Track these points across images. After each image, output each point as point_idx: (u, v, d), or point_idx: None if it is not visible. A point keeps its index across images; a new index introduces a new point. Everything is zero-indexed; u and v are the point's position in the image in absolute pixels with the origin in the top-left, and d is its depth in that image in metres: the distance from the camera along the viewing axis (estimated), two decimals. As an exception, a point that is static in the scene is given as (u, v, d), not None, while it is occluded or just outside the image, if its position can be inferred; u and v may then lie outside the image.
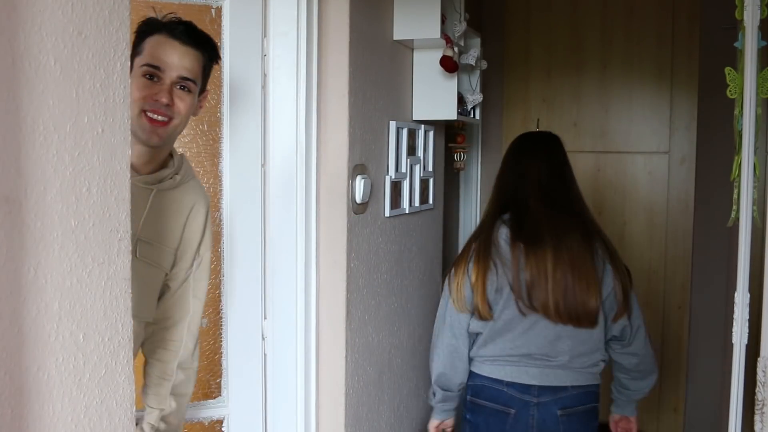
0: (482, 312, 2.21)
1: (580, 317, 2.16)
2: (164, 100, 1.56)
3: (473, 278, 2.22)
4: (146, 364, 1.77)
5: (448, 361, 2.28)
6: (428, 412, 2.96)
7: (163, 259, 1.69)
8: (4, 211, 0.87)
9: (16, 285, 0.89)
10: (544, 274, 2.16)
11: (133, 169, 1.61)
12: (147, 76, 1.57)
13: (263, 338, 2.11)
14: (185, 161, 1.73)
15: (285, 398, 2.13)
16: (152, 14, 1.62)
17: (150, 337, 1.76)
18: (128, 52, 1.04)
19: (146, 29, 1.60)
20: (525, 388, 2.19)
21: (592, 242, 2.20)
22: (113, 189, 1.02)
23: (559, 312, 2.16)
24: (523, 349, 2.20)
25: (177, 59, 1.58)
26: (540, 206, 2.23)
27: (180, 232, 1.71)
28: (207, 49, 1.65)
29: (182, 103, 1.59)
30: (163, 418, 1.73)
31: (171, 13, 1.63)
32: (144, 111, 1.56)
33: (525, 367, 2.20)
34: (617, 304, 2.20)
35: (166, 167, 1.68)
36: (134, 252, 1.62)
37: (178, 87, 1.59)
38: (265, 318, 2.11)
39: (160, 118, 1.56)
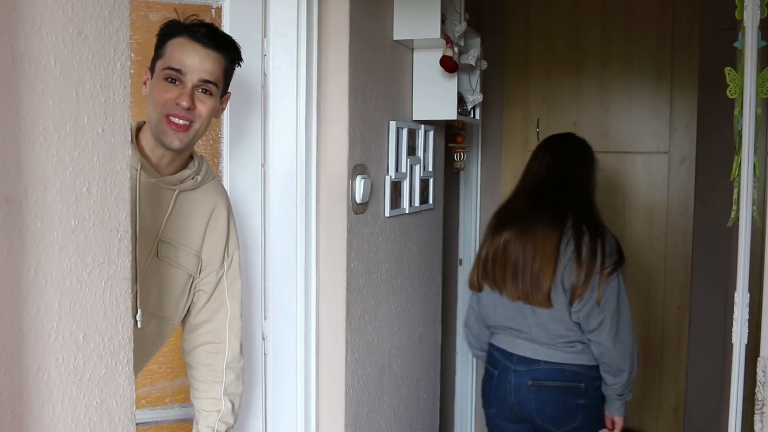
0: (472, 284, 2.57)
1: (529, 296, 2.38)
2: (185, 103, 1.55)
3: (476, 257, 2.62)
4: (192, 369, 1.79)
5: (469, 320, 2.64)
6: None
7: (185, 260, 1.69)
8: (4, 211, 0.87)
9: (16, 285, 0.89)
10: (497, 252, 2.45)
11: (156, 170, 1.62)
12: (169, 79, 1.56)
13: (263, 338, 2.11)
14: (205, 161, 1.74)
15: (285, 398, 2.13)
16: (174, 17, 1.62)
17: (192, 343, 1.77)
18: (128, 52, 1.04)
19: (168, 32, 1.60)
20: (508, 355, 2.47)
21: (561, 232, 2.36)
22: (113, 189, 1.02)
23: (506, 288, 2.43)
24: (502, 322, 2.48)
25: (198, 62, 1.57)
26: (522, 200, 2.50)
27: (202, 233, 1.71)
28: (229, 51, 1.64)
29: (204, 106, 1.58)
30: (220, 419, 1.75)
31: (193, 15, 1.63)
32: (166, 114, 1.56)
33: (510, 337, 2.47)
34: (572, 290, 2.34)
35: (187, 168, 1.68)
36: (156, 253, 1.63)
37: (200, 90, 1.58)
38: (265, 318, 2.11)
39: (181, 122, 1.56)
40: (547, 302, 2.35)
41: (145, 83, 1.63)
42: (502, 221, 2.49)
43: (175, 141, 1.57)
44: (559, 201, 2.44)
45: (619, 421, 2.43)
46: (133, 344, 1.08)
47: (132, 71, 1.08)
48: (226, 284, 1.76)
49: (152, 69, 1.61)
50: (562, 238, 2.35)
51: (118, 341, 1.04)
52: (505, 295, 2.43)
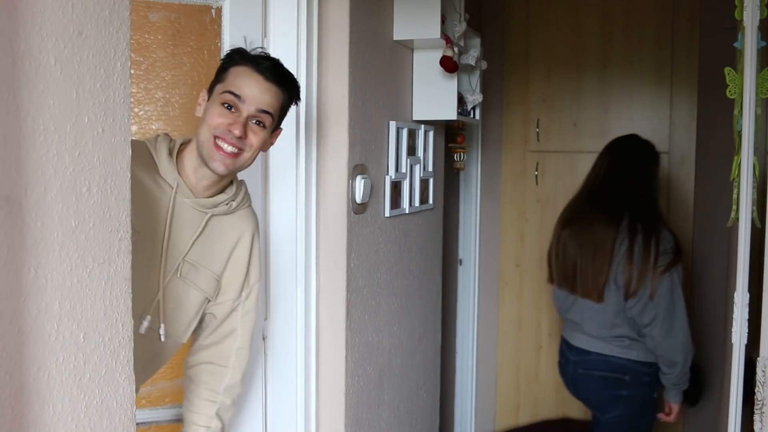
0: (548, 278, 2.80)
1: (585, 291, 2.56)
2: (237, 132, 1.55)
3: None
4: (191, 382, 1.78)
5: None
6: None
7: (205, 283, 1.68)
8: (4, 211, 0.87)
9: (16, 285, 0.89)
10: (558, 249, 2.66)
11: (193, 191, 1.62)
12: (225, 104, 1.56)
13: (263, 338, 2.11)
14: (244, 188, 1.73)
15: (285, 398, 2.13)
16: (242, 45, 1.63)
17: (197, 360, 1.77)
18: (128, 52, 1.04)
19: (232, 58, 1.60)
20: (569, 346, 2.71)
21: (617, 230, 2.51)
22: (113, 189, 1.02)
23: (561, 283, 2.65)
24: (566, 314, 2.70)
25: (258, 93, 1.57)
26: (583, 199, 2.68)
27: (226, 259, 1.71)
28: (289, 89, 1.64)
29: (255, 137, 1.58)
30: None
31: (260, 47, 1.64)
32: (215, 136, 1.55)
33: (571, 330, 2.70)
34: (626, 288, 2.49)
35: (224, 193, 1.67)
36: (178, 272, 1.63)
37: (254, 121, 1.58)
38: (265, 318, 2.11)
39: (230, 149, 1.56)
40: (599, 298, 2.54)
41: (200, 104, 1.63)
42: (563, 220, 2.70)
43: (221, 167, 1.57)
44: (616, 200, 2.58)
45: (675, 407, 2.62)
46: (133, 345, 1.08)
47: (133, 71, 1.08)
48: (240, 313, 1.75)
49: (210, 92, 1.61)
50: (618, 236, 2.51)
51: (118, 341, 1.04)
52: (566, 290, 2.64)
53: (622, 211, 2.54)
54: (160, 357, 1.74)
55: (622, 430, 2.64)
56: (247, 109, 1.56)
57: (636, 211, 2.54)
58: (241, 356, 1.77)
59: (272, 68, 1.60)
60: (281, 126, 1.69)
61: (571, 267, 2.61)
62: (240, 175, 1.74)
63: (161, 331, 1.62)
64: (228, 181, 1.68)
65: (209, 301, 1.72)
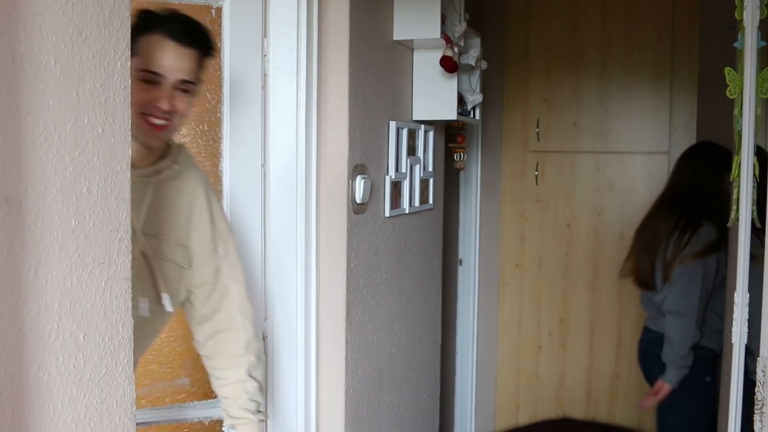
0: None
1: (641, 282, 2.88)
2: (165, 106, 1.52)
3: None
4: (210, 359, 1.76)
5: None
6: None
7: (173, 252, 1.66)
8: (4, 211, 0.87)
9: (16, 285, 0.89)
10: (632, 250, 2.98)
11: (131, 164, 1.60)
12: (146, 81, 1.52)
13: (263, 338, 2.11)
14: (184, 150, 1.70)
15: (285, 398, 2.13)
16: (147, 6, 1.56)
17: (205, 333, 1.75)
18: (128, 53, 1.04)
19: (141, 25, 1.52)
20: (644, 329, 3.00)
21: (673, 227, 2.76)
22: (113, 189, 1.02)
23: (624, 274, 3.00)
24: (641, 305, 3.03)
25: (176, 62, 1.52)
26: (656, 205, 2.93)
27: (186, 222, 1.68)
28: (203, 46, 1.59)
29: (182, 104, 1.55)
30: (250, 399, 1.74)
31: (166, 7, 1.58)
32: (143, 114, 1.52)
33: (646, 317, 2.99)
34: (662, 277, 2.78)
35: (165, 158, 1.64)
36: (141, 247, 1.60)
37: (179, 91, 1.55)
38: (265, 318, 2.11)
39: (160, 122, 1.53)
40: (650, 287, 2.84)
41: None
42: (639, 225, 2.98)
43: (154, 140, 1.55)
44: (678, 202, 2.83)
45: (663, 388, 2.73)
46: (133, 344, 1.08)
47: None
48: (227, 270, 1.73)
49: None
50: (670, 234, 2.76)
51: (118, 341, 1.04)
52: (633, 282, 2.97)
53: (679, 211, 2.79)
54: (146, 334, 1.71)
55: (672, 404, 2.78)
56: (170, 81, 1.53)
57: (689, 211, 2.77)
58: (245, 311, 1.75)
59: (185, 31, 1.54)
60: (202, 78, 1.63)
61: (635, 262, 2.92)
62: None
63: (165, 302, 1.61)
64: (164, 146, 1.64)
65: (184, 269, 1.69)
